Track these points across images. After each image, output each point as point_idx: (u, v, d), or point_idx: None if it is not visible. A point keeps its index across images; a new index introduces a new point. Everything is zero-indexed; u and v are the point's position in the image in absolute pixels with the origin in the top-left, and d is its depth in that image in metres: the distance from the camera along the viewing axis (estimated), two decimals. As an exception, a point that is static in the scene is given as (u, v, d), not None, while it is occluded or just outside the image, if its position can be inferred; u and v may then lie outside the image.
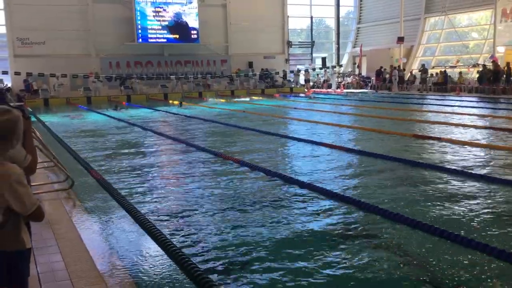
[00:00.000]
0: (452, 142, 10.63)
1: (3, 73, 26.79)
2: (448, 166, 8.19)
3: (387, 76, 31.04)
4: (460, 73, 27.68)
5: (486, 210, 5.89)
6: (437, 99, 23.14)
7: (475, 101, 21.56)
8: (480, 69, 25.89)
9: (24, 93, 27.01)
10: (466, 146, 10.16)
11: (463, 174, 7.63)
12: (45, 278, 3.94)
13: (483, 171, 7.87)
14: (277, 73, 33.84)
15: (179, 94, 29.37)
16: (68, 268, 4.15)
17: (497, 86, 24.35)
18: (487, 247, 4.52)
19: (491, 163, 8.66)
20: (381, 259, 4.54)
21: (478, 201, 6.26)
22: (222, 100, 26.94)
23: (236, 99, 27.40)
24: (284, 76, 34.22)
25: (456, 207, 6.01)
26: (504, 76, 24.43)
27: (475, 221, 5.51)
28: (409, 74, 30.88)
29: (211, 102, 25.77)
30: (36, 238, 4.58)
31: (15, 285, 2.57)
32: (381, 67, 31.44)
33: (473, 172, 7.73)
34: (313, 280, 4.16)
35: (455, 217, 5.66)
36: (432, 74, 28.89)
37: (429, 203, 6.20)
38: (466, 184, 7.11)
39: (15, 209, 2.47)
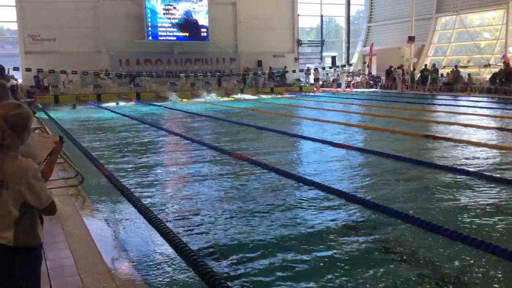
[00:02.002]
0: (462, 143, 10.55)
1: (14, 69, 26.98)
2: (459, 167, 8.12)
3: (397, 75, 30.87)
4: (469, 74, 27.42)
5: (496, 212, 5.83)
6: (446, 99, 22.98)
7: (486, 102, 21.38)
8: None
9: (34, 89, 27.19)
10: (476, 147, 10.07)
11: (474, 174, 7.56)
12: (54, 274, 3.95)
13: (494, 172, 7.79)
14: (293, 71, 33.82)
15: (188, 92, 29.44)
16: (77, 264, 4.16)
17: (509, 86, 24.12)
18: (497, 248, 4.47)
19: (503, 164, 8.58)
20: (390, 259, 4.51)
21: (488, 202, 6.20)
22: (232, 99, 26.96)
23: (245, 97, 27.45)
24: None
25: (466, 208, 5.95)
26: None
27: (485, 222, 5.46)
28: (420, 73, 30.67)
29: (221, 100, 25.82)
30: (46, 234, 4.57)
31: (29, 279, 2.59)
32: (391, 67, 31.25)
33: (484, 173, 7.66)
34: (319, 279, 4.14)
35: (465, 218, 5.61)
36: (442, 74, 28.68)
37: (441, 205, 6.15)
38: (476, 184, 7.05)
39: (32, 203, 2.50)
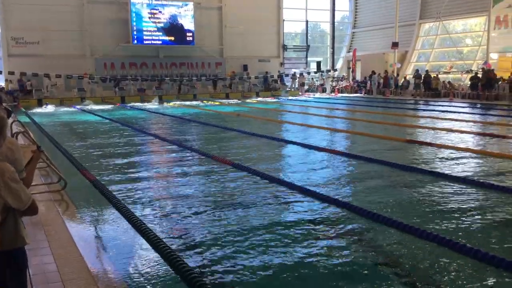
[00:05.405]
0: (441, 147, 10.71)
1: (-4, 73, 26.67)
2: (439, 171, 8.24)
3: (381, 81, 31.24)
4: (449, 82, 27.81)
5: (475, 215, 5.94)
6: (428, 105, 23.28)
7: (467, 107, 21.72)
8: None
9: (18, 93, 26.86)
10: (456, 152, 10.22)
11: (454, 179, 7.67)
12: (36, 280, 3.93)
13: (474, 177, 7.91)
14: (278, 76, 34.03)
15: (172, 96, 29.42)
16: (60, 270, 4.13)
17: (490, 92, 24.54)
18: (471, 250, 4.55)
19: (483, 169, 8.73)
20: (369, 260, 4.57)
21: (467, 205, 6.30)
22: (217, 103, 26.98)
23: (229, 101, 27.49)
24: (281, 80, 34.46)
25: (446, 211, 6.05)
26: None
27: (464, 225, 5.55)
28: (403, 79, 31.02)
29: (205, 104, 25.84)
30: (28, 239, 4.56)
31: (18, 281, 2.61)
32: (373, 72, 31.60)
33: (463, 177, 7.79)
34: (302, 278, 4.18)
35: (444, 221, 5.70)
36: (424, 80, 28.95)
37: (420, 208, 6.24)
38: (456, 189, 7.16)
39: (13, 205, 2.51)
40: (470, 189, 7.14)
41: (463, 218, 5.82)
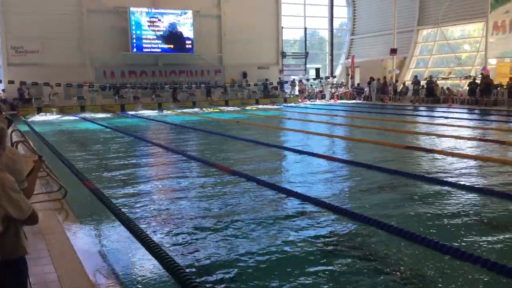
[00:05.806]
0: (438, 153, 10.72)
1: (-4, 82, 26.70)
2: (438, 177, 8.24)
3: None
4: (448, 88, 27.91)
5: (474, 221, 5.94)
6: (426, 111, 23.34)
7: (466, 113, 21.76)
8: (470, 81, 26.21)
9: (17, 102, 26.90)
10: (455, 158, 10.23)
11: (453, 185, 7.68)
12: (37, 289, 3.93)
13: (471, 182, 7.92)
14: (278, 83, 34.11)
15: (171, 104, 29.53)
16: (60, 279, 4.13)
17: (489, 98, 24.60)
18: (471, 257, 4.55)
19: (480, 174, 8.74)
20: (373, 271, 4.56)
21: (466, 212, 6.30)
22: (216, 110, 27.05)
23: (228, 109, 27.55)
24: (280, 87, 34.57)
25: (446, 218, 6.05)
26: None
27: (464, 231, 5.55)
28: (402, 85, 31.10)
29: (204, 112, 25.91)
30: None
31: None
32: (371, 78, 31.70)
33: (464, 183, 7.79)
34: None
35: (446, 227, 5.70)
36: (423, 86, 29.05)
37: (422, 215, 6.24)
38: (457, 195, 7.16)
39: (13, 215, 2.51)
40: (483, 199, 7.04)
41: (457, 222, 5.82)
